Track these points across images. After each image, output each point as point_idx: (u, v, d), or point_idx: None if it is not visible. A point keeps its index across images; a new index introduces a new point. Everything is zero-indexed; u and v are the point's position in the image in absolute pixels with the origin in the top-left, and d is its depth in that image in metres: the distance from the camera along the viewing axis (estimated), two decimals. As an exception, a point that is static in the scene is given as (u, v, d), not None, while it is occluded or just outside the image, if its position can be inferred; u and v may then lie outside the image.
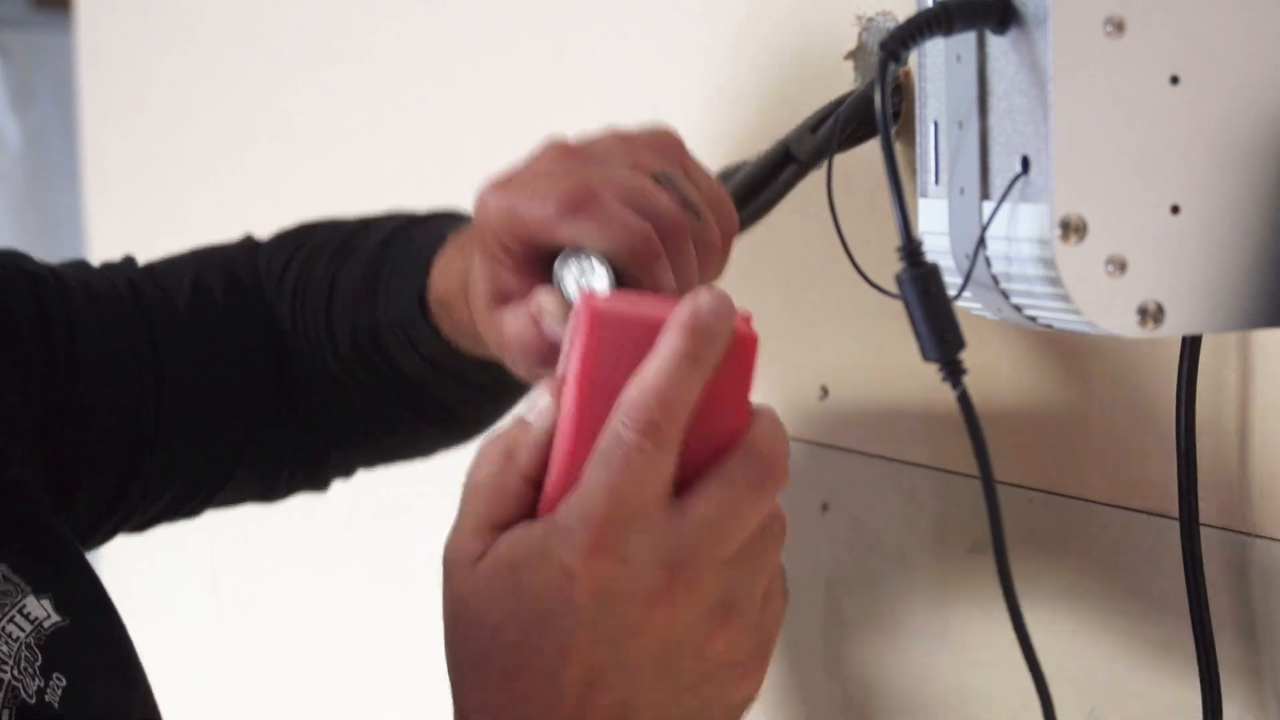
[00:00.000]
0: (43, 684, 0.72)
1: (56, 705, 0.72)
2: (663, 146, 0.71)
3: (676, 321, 0.59)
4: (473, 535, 0.60)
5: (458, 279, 0.78)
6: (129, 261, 0.95)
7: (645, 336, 0.59)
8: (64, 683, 0.73)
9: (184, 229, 1.59)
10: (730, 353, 0.60)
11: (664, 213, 0.66)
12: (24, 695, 0.71)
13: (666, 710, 0.60)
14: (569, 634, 0.58)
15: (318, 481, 0.97)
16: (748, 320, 0.61)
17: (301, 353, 0.91)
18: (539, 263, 0.68)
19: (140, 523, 0.93)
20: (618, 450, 0.58)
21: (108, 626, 0.80)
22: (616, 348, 0.60)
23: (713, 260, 0.70)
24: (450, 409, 0.91)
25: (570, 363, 0.60)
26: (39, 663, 0.73)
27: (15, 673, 0.72)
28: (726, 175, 0.78)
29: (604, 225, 0.65)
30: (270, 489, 0.96)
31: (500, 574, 0.59)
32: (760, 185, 0.78)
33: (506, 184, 0.68)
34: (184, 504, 0.93)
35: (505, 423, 0.63)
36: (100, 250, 1.77)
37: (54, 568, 0.78)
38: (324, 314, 0.89)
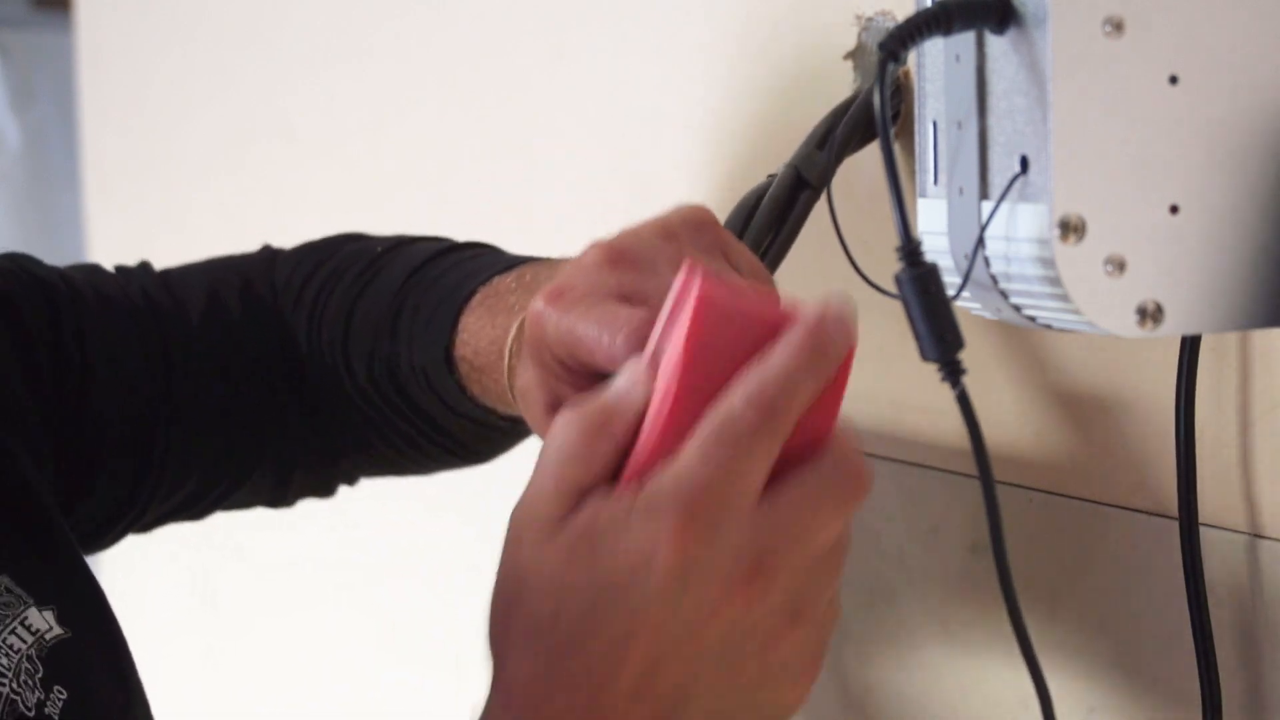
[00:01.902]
0: (43, 696, 0.72)
1: (56, 718, 0.72)
2: (704, 235, 0.70)
3: (805, 328, 0.58)
4: (553, 498, 0.58)
5: (490, 345, 0.78)
6: (144, 267, 0.95)
7: (748, 330, 0.59)
8: (65, 695, 0.73)
9: (184, 229, 1.59)
10: None
11: None
12: (22, 708, 0.71)
13: (719, 705, 0.59)
14: (641, 611, 0.56)
15: (326, 488, 0.97)
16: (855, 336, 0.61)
17: (317, 373, 0.90)
18: (598, 378, 0.67)
19: (149, 523, 0.93)
20: (731, 428, 0.57)
21: (109, 639, 0.79)
22: (718, 334, 0.59)
23: None
24: (465, 444, 0.91)
25: (673, 339, 0.59)
26: (40, 675, 0.73)
27: (15, 685, 0.72)
28: (745, 208, 0.78)
29: None
30: (281, 495, 0.95)
31: (580, 539, 0.57)
32: (782, 216, 0.78)
33: (560, 298, 0.67)
34: (193, 506, 0.93)
35: (593, 392, 0.61)
36: (100, 250, 1.77)
37: (58, 579, 0.78)
38: (341, 343, 0.89)
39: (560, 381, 0.69)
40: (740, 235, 0.78)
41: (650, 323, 0.64)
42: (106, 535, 0.91)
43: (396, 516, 1.31)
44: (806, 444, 0.59)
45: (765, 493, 0.58)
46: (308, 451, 0.93)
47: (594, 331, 0.65)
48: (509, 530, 0.60)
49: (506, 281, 0.80)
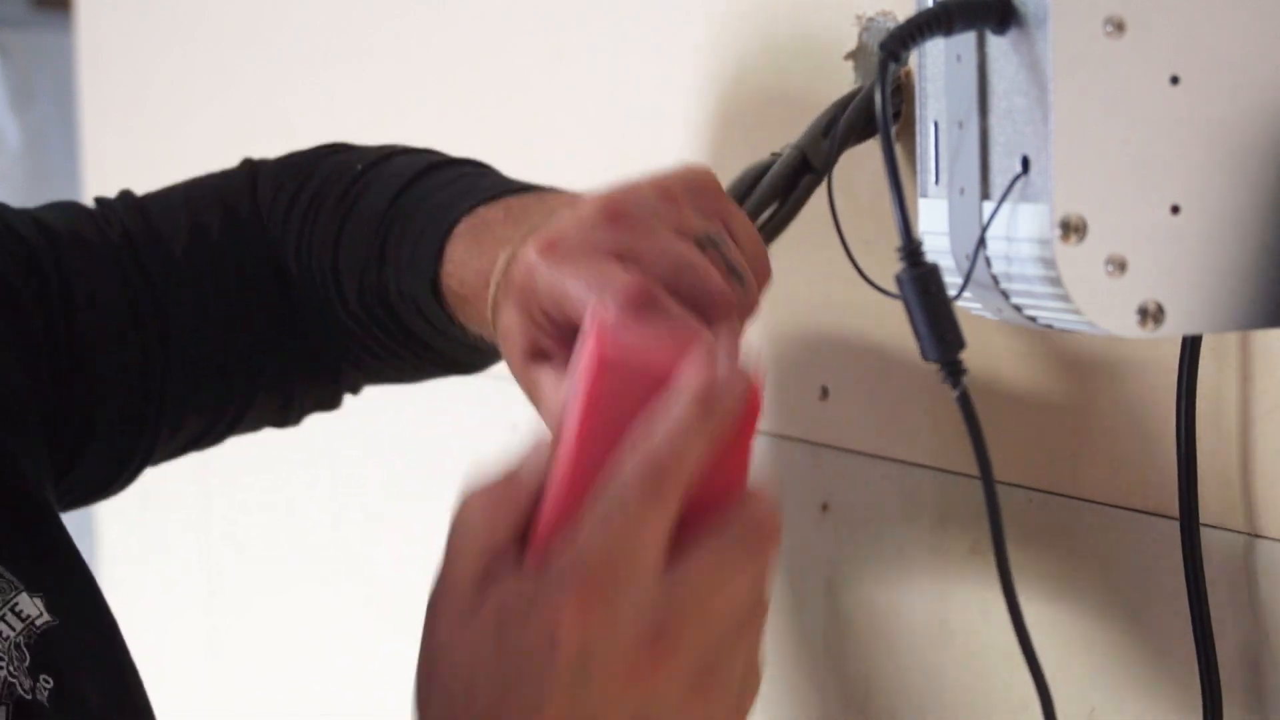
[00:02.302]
0: (30, 684, 0.72)
1: (46, 704, 0.72)
2: (703, 198, 0.70)
3: (689, 387, 0.57)
4: (463, 578, 0.58)
5: (476, 276, 0.77)
6: (123, 198, 0.93)
7: (654, 385, 0.57)
8: (51, 684, 0.73)
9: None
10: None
11: (715, 292, 0.66)
12: (20, 691, 0.71)
13: None
14: (548, 691, 0.56)
15: (330, 402, 0.96)
16: (756, 384, 0.58)
17: (308, 296, 0.90)
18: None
19: (160, 459, 0.92)
20: (618, 510, 0.56)
21: (100, 627, 0.79)
22: (622, 392, 0.57)
23: (752, 318, 0.70)
24: (457, 360, 0.90)
25: (571, 404, 0.58)
26: (27, 663, 0.73)
27: (10, 669, 0.72)
28: (746, 181, 0.78)
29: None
30: (286, 415, 0.95)
31: (487, 622, 0.57)
32: (783, 194, 0.78)
33: (553, 249, 0.67)
34: (201, 439, 0.93)
35: (493, 469, 0.60)
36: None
37: (49, 567, 0.78)
38: (330, 269, 0.88)
39: (542, 331, 0.69)
40: (739, 203, 0.77)
41: (643, 287, 0.64)
42: (117, 480, 0.90)
43: (399, 503, 1.31)
44: (715, 499, 0.57)
45: (669, 558, 0.57)
46: (306, 371, 0.92)
47: (584, 291, 0.65)
48: (427, 607, 0.60)
49: (494, 211, 0.79)
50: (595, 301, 0.62)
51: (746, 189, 0.78)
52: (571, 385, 0.59)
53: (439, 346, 0.87)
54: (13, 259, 0.85)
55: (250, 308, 0.90)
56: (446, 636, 0.59)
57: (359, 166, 0.90)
